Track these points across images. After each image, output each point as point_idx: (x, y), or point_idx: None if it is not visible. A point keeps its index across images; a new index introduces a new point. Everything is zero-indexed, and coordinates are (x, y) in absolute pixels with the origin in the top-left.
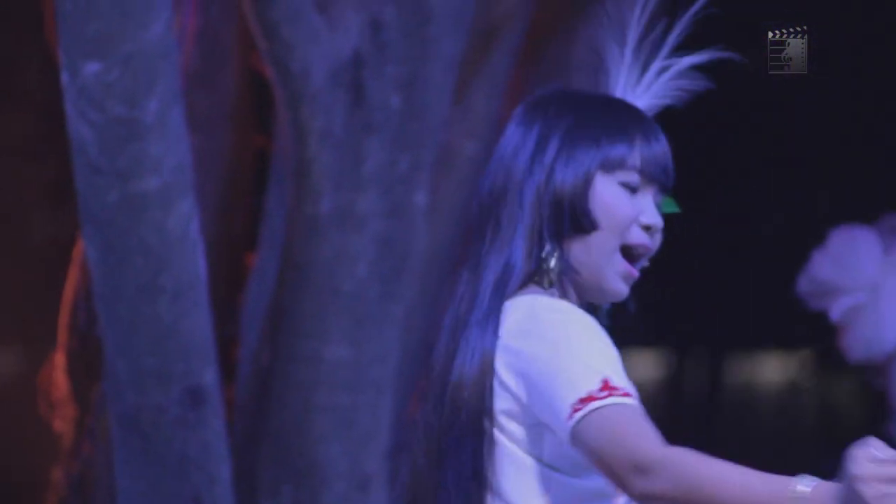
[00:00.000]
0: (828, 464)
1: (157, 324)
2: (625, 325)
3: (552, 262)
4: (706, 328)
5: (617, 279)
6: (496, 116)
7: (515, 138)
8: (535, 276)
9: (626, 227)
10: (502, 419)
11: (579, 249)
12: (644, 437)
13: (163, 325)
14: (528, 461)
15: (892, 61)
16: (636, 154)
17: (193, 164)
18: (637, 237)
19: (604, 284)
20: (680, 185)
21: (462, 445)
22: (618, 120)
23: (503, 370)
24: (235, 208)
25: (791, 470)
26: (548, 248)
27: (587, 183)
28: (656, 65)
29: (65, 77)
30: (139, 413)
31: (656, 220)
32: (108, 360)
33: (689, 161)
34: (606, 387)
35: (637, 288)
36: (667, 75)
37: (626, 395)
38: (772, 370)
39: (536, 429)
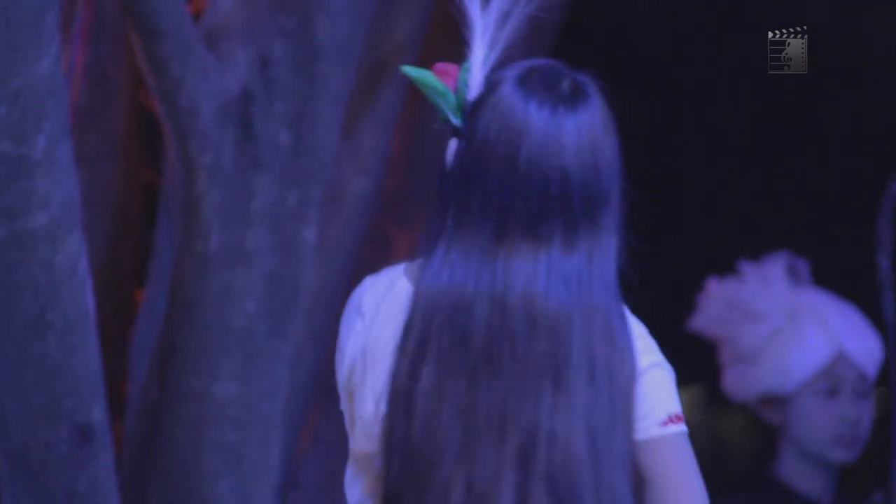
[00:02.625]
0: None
1: (46, 360)
2: None
3: None
4: None
5: None
6: (385, 152)
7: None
8: None
9: None
10: None
11: None
12: None
13: (51, 362)
14: None
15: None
16: None
17: (82, 199)
18: None
19: None
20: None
21: None
22: None
23: None
24: (124, 244)
25: None
26: None
27: None
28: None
29: None
30: (27, 450)
31: None
32: None
33: None
34: None
35: None
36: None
37: None
38: None
39: None
